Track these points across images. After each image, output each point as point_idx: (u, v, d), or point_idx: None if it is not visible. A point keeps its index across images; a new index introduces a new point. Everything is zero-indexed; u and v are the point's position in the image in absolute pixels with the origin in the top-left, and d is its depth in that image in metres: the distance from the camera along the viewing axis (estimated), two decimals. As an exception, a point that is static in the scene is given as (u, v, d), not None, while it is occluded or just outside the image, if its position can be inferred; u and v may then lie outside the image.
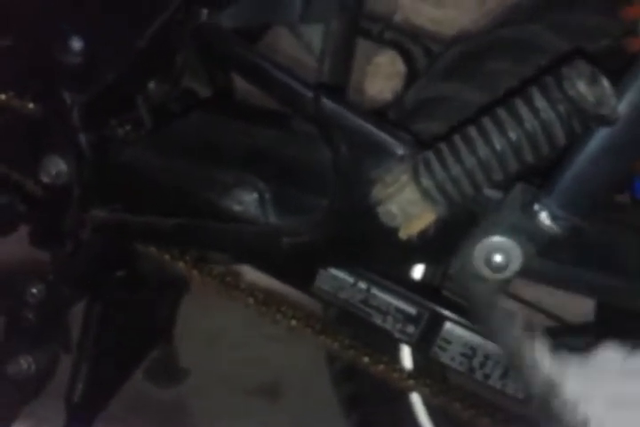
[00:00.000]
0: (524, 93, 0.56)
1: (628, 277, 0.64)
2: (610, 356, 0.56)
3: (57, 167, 0.76)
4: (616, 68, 0.56)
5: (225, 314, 1.16)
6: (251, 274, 0.79)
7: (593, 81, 0.53)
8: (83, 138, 0.75)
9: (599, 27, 0.71)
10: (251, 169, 0.73)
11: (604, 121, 0.54)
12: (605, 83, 0.54)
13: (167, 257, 0.79)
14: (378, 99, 1.22)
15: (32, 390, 0.83)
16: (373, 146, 0.64)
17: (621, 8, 0.71)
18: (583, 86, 0.53)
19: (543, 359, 0.56)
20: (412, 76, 0.96)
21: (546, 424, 0.57)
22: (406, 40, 0.97)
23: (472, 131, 0.58)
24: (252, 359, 1.19)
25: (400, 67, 1.01)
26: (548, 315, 0.88)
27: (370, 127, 0.65)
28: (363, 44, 0.86)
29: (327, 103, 0.65)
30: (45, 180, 0.76)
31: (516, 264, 0.60)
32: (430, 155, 0.60)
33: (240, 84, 0.81)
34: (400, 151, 0.64)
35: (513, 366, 0.60)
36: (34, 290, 0.79)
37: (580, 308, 0.81)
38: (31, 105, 0.79)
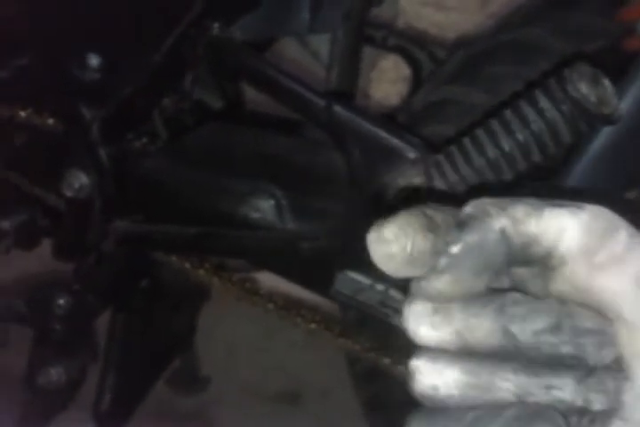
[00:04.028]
0: (529, 96, 0.57)
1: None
2: None
3: (79, 181, 0.78)
4: (616, 68, 0.58)
5: (244, 321, 1.17)
6: (269, 280, 0.80)
7: (594, 82, 0.55)
8: (102, 151, 0.77)
9: (598, 28, 0.73)
10: (266, 176, 0.75)
11: (607, 120, 0.56)
12: (606, 83, 0.55)
13: (187, 265, 0.81)
14: (384, 103, 1.23)
15: (62, 400, 0.84)
16: (385, 150, 0.66)
17: (619, 9, 0.73)
18: (585, 87, 0.54)
19: None
20: (416, 81, 0.97)
21: None
22: (410, 45, 0.99)
23: (481, 133, 0.60)
24: (271, 366, 1.19)
25: (404, 71, 1.02)
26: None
27: (381, 132, 0.66)
28: (366, 50, 0.88)
29: (339, 110, 0.67)
30: (68, 194, 0.78)
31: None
32: (441, 158, 0.62)
33: (250, 93, 0.82)
34: (411, 155, 0.65)
35: None
36: (60, 301, 0.81)
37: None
38: (51, 121, 0.81)
